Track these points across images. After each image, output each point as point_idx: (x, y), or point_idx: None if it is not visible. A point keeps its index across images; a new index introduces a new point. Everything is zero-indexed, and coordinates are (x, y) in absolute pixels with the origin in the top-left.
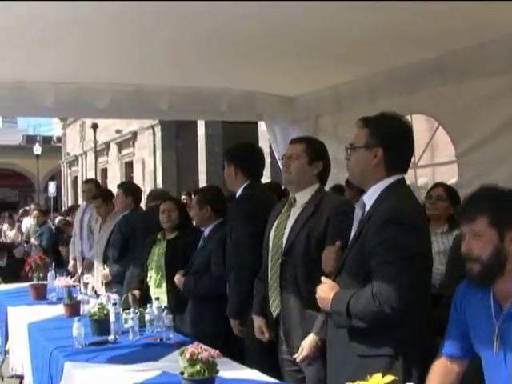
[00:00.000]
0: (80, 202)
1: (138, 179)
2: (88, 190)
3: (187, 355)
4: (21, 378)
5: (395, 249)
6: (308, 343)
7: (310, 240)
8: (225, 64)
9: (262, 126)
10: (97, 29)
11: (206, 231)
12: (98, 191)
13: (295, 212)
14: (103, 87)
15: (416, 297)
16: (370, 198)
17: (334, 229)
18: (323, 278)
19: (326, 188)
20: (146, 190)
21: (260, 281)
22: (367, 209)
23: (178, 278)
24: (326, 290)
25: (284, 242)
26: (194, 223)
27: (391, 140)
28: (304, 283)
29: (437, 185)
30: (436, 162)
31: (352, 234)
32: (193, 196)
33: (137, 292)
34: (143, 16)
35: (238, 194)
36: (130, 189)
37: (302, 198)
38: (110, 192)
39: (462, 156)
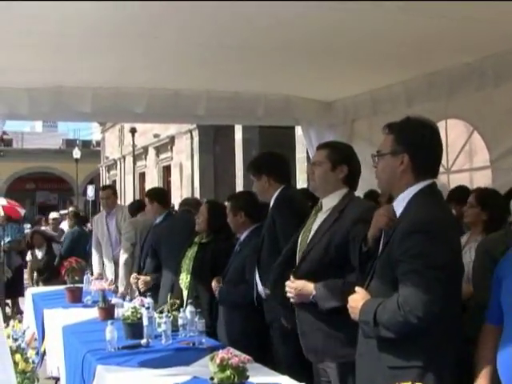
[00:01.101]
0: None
1: (175, 183)
2: (107, 197)
3: (217, 360)
4: (56, 379)
5: (421, 257)
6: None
7: (330, 245)
8: (262, 69)
9: (299, 131)
10: (134, 34)
11: (242, 237)
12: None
13: (321, 216)
14: (140, 92)
15: (443, 306)
16: (398, 205)
17: (355, 236)
18: (357, 288)
19: (361, 193)
20: (183, 194)
21: None
22: (397, 215)
23: (214, 286)
24: (357, 299)
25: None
26: None
27: (417, 145)
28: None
29: (472, 191)
30: (473, 166)
31: (381, 240)
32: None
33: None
34: (181, 21)
35: (274, 198)
36: (151, 194)
37: (329, 202)
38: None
39: (496, 161)
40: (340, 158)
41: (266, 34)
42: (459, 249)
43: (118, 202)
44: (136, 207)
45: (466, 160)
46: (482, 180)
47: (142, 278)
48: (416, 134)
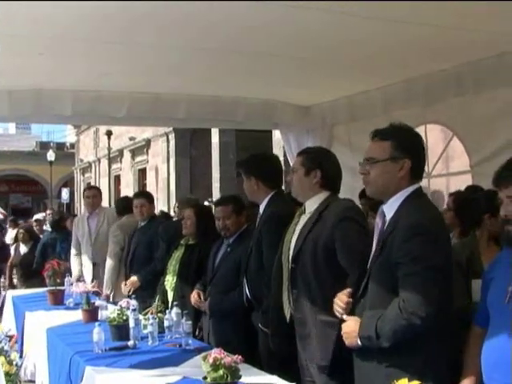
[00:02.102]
0: None
1: (151, 186)
2: (93, 196)
3: (210, 360)
4: (32, 382)
5: (421, 259)
6: None
7: (316, 247)
8: (242, 73)
9: (276, 135)
10: (114, 38)
11: (232, 238)
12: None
13: (304, 219)
14: (121, 95)
15: (443, 307)
16: (390, 207)
17: (341, 234)
18: (345, 317)
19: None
20: (159, 197)
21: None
22: (388, 218)
23: (196, 301)
24: (350, 325)
25: (291, 248)
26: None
27: (415, 150)
28: (317, 290)
29: (450, 195)
30: (450, 171)
31: (374, 243)
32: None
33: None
34: (161, 25)
35: (264, 207)
36: (152, 197)
37: (311, 206)
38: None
39: (476, 166)
40: (313, 164)
41: (246, 39)
42: (450, 250)
43: None
44: (124, 206)
45: (443, 165)
46: (461, 185)
47: (129, 280)
48: (413, 140)
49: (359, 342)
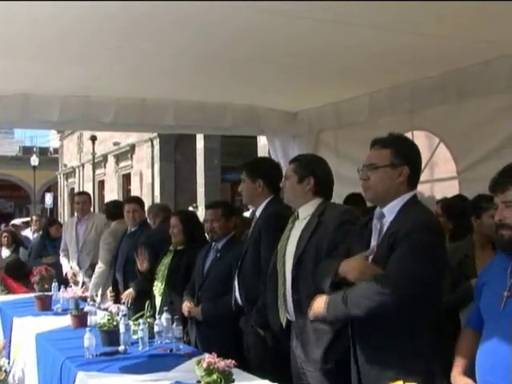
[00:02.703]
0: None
1: (135, 192)
2: (83, 201)
3: (204, 364)
4: None
5: (416, 245)
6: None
7: (319, 252)
8: (229, 79)
9: (261, 141)
10: (102, 44)
11: (220, 244)
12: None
13: (299, 225)
14: (108, 101)
15: (423, 288)
16: (390, 211)
17: (344, 237)
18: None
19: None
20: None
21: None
22: (389, 221)
23: (187, 308)
24: (319, 300)
25: (288, 253)
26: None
27: (413, 158)
28: (313, 296)
29: (438, 201)
30: (435, 178)
31: (372, 243)
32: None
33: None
34: (149, 31)
35: (261, 210)
36: (143, 203)
37: (305, 211)
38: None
39: (463, 172)
40: (306, 171)
41: (233, 45)
42: (445, 251)
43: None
44: (115, 211)
45: (428, 171)
46: (447, 190)
47: (126, 292)
48: (412, 149)
49: (325, 310)
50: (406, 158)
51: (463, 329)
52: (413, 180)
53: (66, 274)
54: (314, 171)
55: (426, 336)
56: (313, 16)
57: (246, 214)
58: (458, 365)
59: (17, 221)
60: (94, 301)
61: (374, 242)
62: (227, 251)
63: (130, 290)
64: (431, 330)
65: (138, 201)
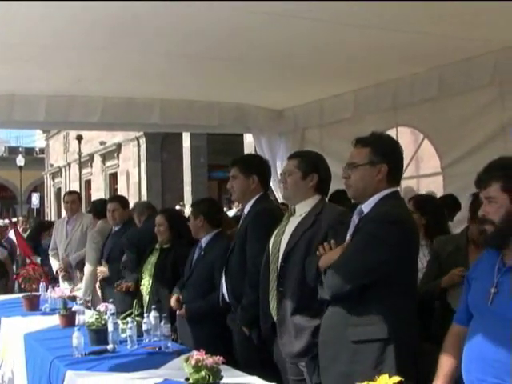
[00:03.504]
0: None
1: (122, 191)
2: (72, 201)
3: (192, 362)
4: None
5: (371, 234)
6: None
7: (309, 248)
8: (215, 78)
9: (247, 138)
10: (89, 44)
11: (204, 241)
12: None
13: (294, 221)
14: (95, 100)
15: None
16: (368, 206)
17: (336, 237)
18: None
19: None
20: (130, 201)
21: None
22: (364, 215)
23: (175, 305)
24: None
25: (282, 248)
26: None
27: (392, 156)
28: (298, 291)
29: (410, 199)
30: (421, 173)
31: (348, 237)
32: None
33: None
34: (135, 31)
35: (250, 206)
36: (126, 202)
37: (303, 208)
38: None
39: (447, 168)
40: (310, 167)
41: (219, 45)
42: (417, 244)
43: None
44: (101, 209)
45: (413, 167)
46: (432, 186)
47: (99, 268)
48: (392, 147)
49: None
50: (385, 155)
51: (452, 325)
52: (393, 177)
53: (56, 272)
54: (318, 168)
55: (390, 318)
56: (298, 15)
57: (230, 214)
58: (443, 366)
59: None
60: (89, 307)
61: (348, 236)
62: (211, 248)
63: (105, 269)
64: (393, 311)
65: (119, 200)
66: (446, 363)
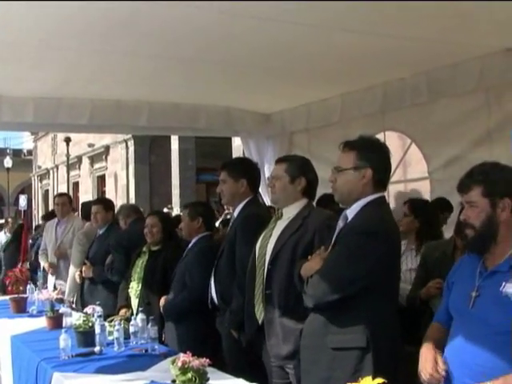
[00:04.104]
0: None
1: (110, 193)
2: (62, 203)
3: (179, 363)
4: None
5: (348, 247)
6: None
7: (296, 251)
8: (203, 81)
9: (235, 142)
10: (77, 46)
11: (190, 244)
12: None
13: (281, 224)
14: (83, 102)
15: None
16: (352, 211)
17: (323, 240)
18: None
19: None
20: (118, 203)
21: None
22: (348, 221)
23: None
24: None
25: (268, 251)
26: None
27: (378, 161)
28: (285, 293)
29: (404, 202)
30: (408, 178)
31: (332, 243)
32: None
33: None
34: (124, 34)
35: (239, 210)
36: (109, 204)
37: (290, 211)
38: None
39: (434, 172)
40: (298, 171)
41: (207, 48)
42: (398, 253)
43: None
44: (88, 211)
45: (400, 171)
46: (420, 190)
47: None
48: (377, 151)
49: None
50: (370, 160)
51: (432, 323)
52: (378, 182)
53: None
54: (305, 172)
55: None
56: (286, 19)
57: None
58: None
59: None
60: (73, 308)
61: (332, 241)
62: (190, 250)
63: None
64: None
65: (103, 202)
66: (428, 349)
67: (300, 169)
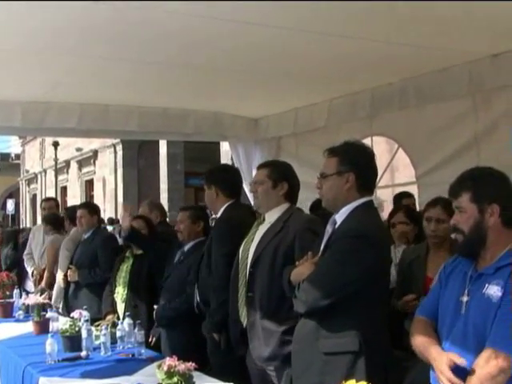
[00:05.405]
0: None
1: (98, 198)
2: (49, 208)
3: (165, 368)
4: None
5: (343, 253)
6: None
7: (276, 254)
8: (192, 86)
9: (224, 146)
10: (64, 50)
11: (187, 246)
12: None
13: (263, 228)
14: (72, 107)
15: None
16: (341, 216)
17: (303, 243)
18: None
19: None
20: (107, 208)
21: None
22: (337, 226)
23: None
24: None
25: (250, 255)
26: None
27: (360, 165)
28: (267, 296)
29: (397, 210)
30: (396, 182)
31: (321, 248)
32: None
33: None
34: (111, 38)
35: (219, 215)
36: (94, 208)
37: (272, 215)
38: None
39: (421, 177)
40: (280, 176)
41: (196, 53)
42: (388, 256)
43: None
44: (73, 216)
45: (388, 176)
46: None
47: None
48: (359, 156)
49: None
50: (352, 164)
51: (415, 317)
52: (363, 186)
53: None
54: (288, 176)
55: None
56: (274, 24)
57: None
58: (431, 343)
59: None
60: (60, 313)
61: (322, 247)
62: (191, 254)
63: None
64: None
65: (88, 206)
66: (424, 343)
67: (282, 174)
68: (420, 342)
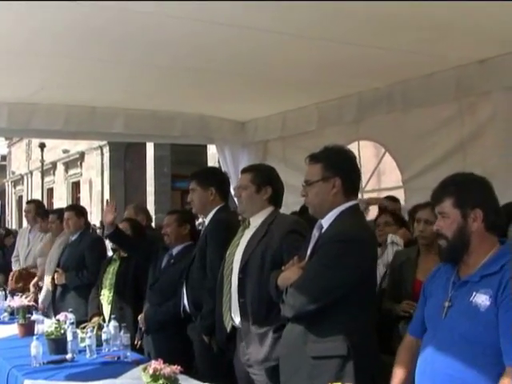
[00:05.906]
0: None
1: (85, 199)
2: (28, 211)
3: (150, 371)
4: None
5: (329, 257)
6: None
7: (264, 258)
8: (179, 88)
9: (210, 149)
10: (51, 52)
11: (175, 250)
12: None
13: (249, 232)
14: (58, 109)
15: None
16: (327, 220)
17: (289, 246)
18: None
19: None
20: (93, 211)
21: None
22: (323, 230)
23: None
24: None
25: (236, 260)
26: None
27: (345, 169)
28: (258, 300)
29: (383, 212)
30: (382, 187)
31: (308, 253)
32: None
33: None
34: (98, 39)
35: (210, 217)
36: (81, 211)
37: (256, 220)
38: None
39: (408, 181)
40: (263, 180)
41: (184, 56)
42: (375, 260)
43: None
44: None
45: (374, 180)
46: None
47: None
48: (343, 160)
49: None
50: (337, 169)
51: (405, 336)
52: (349, 189)
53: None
54: (271, 181)
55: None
56: (262, 27)
57: None
58: (396, 377)
59: None
60: (48, 316)
61: (308, 251)
62: (181, 257)
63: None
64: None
65: (75, 208)
66: (399, 374)
67: (266, 178)
68: (396, 363)
